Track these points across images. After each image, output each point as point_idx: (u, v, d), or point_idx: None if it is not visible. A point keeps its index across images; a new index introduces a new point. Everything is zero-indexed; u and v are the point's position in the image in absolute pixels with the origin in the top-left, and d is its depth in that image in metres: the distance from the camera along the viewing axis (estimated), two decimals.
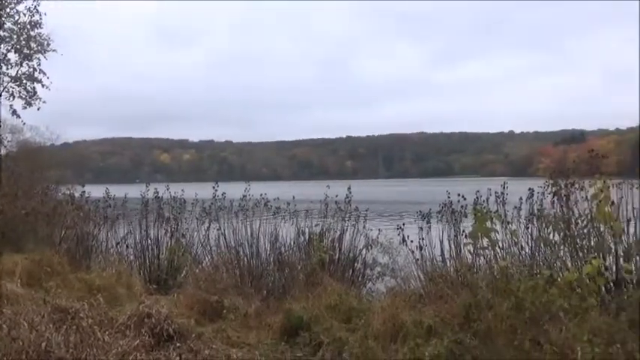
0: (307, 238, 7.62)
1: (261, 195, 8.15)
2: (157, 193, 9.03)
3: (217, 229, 8.12)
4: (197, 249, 8.55)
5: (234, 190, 8.65)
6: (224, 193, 8.49)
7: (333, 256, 7.45)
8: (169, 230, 8.70)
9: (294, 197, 8.36)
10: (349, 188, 7.97)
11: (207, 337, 5.33)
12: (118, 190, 9.83)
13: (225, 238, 7.97)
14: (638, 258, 5.43)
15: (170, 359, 4.82)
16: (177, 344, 5.07)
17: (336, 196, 7.83)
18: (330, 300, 5.91)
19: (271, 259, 7.70)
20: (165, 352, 4.92)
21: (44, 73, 16.24)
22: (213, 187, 8.50)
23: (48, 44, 16.20)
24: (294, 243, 7.68)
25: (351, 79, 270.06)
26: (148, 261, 8.64)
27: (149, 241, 8.72)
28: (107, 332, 5.02)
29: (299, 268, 7.31)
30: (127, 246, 8.89)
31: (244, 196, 8.16)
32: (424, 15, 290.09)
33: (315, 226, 7.72)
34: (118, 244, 8.95)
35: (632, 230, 5.51)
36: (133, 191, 9.94)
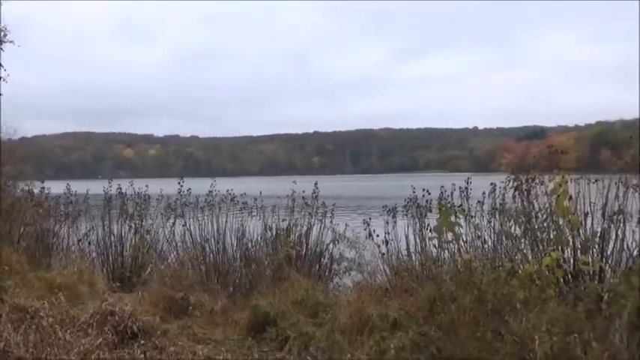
0: (274, 233, 7.60)
1: (227, 190, 8.09)
2: (121, 188, 8.85)
3: (183, 225, 8.02)
4: (162, 245, 8.42)
5: (200, 186, 8.55)
6: (189, 189, 8.39)
7: (300, 252, 7.45)
8: (133, 226, 8.54)
9: (260, 193, 8.33)
10: (316, 184, 7.99)
11: (172, 334, 5.27)
12: (79, 186, 9.59)
13: (190, 234, 7.89)
14: (594, 250, 5.62)
15: (134, 357, 4.76)
16: (142, 342, 5.02)
17: (303, 191, 7.83)
18: (296, 295, 5.93)
19: (238, 255, 7.65)
20: (130, 350, 4.87)
21: (0, 65, 15.69)
22: (179, 183, 8.39)
23: (5, 35, 15.64)
24: (261, 238, 7.64)
25: (316, 75, 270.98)
26: (111, 258, 8.47)
27: (112, 238, 8.54)
28: (68, 331, 4.93)
29: (266, 263, 7.28)
30: (90, 243, 8.68)
31: (210, 191, 8.09)
32: (386, 13, 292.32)
33: (282, 221, 7.70)
34: (79, 241, 8.74)
35: (589, 224, 5.69)
36: (96, 187, 9.72)
